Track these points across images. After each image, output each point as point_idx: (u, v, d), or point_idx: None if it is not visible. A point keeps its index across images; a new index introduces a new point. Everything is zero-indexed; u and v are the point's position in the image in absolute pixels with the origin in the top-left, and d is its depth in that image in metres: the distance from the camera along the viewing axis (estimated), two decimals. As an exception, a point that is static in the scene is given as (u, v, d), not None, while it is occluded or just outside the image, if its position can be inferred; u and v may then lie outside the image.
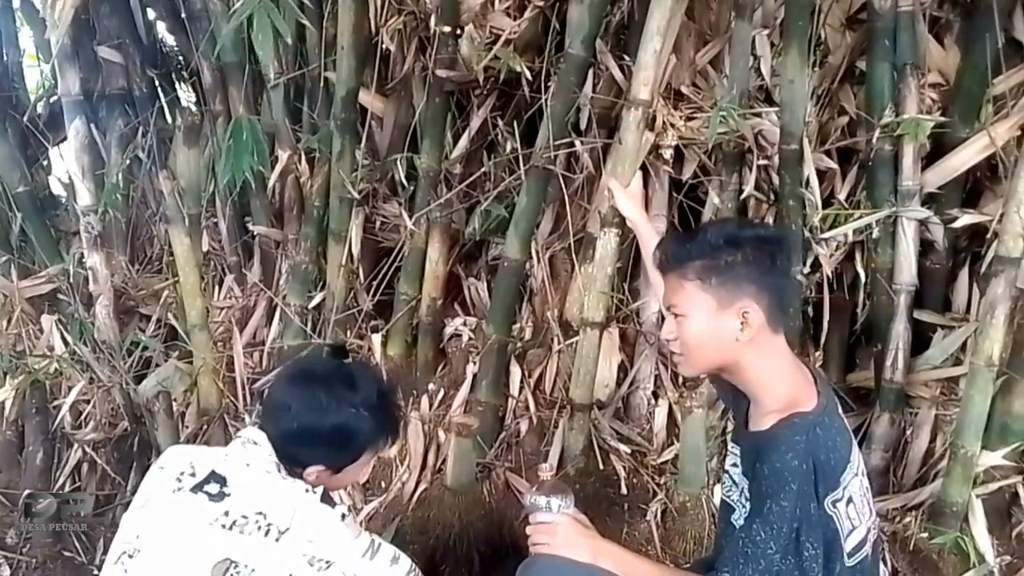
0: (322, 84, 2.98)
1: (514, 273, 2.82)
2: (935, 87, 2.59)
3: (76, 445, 3.15)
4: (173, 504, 1.60)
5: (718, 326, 1.63)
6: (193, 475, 1.62)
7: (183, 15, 3.34)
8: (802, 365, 1.73)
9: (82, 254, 3.32)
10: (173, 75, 3.64)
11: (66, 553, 2.98)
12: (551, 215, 2.98)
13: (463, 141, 2.97)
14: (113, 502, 3.09)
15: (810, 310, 2.76)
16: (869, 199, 2.62)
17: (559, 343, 2.90)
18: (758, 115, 2.63)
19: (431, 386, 3.01)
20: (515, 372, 2.92)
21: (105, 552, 2.17)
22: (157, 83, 3.52)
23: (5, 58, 3.50)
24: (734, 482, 1.73)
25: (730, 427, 2.52)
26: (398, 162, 2.99)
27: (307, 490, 1.63)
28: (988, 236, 2.53)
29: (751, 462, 1.63)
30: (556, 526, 1.80)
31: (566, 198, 2.80)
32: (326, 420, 1.69)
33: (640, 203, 2.38)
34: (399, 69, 2.97)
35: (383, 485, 2.88)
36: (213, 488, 1.59)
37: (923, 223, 2.58)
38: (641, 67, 2.35)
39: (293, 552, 1.58)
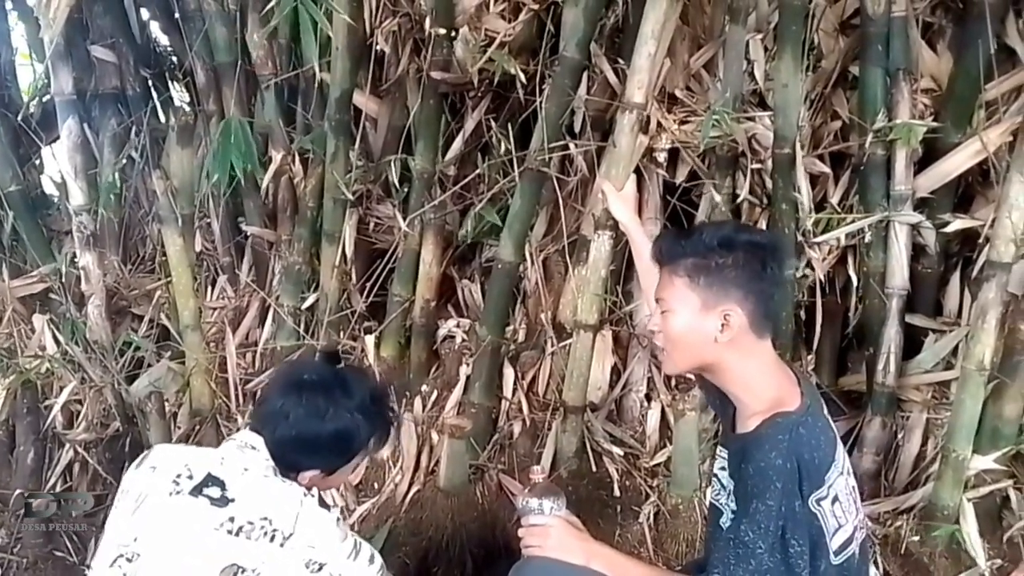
0: (316, 85, 2.98)
1: (508, 275, 2.82)
2: (927, 92, 2.60)
3: (68, 445, 3.13)
4: (173, 507, 1.60)
5: (699, 325, 1.65)
6: (190, 477, 1.62)
7: (177, 15, 3.33)
8: (785, 367, 1.74)
9: (74, 254, 3.30)
10: (167, 75, 3.62)
11: (57, 553, 2.98)
12: (545, 217, 2.98)
13: (457, 143, 2.97)
14: (105, 502, 3.08)
15: (802, 314, 2.77)
16: (862, 203, 2.62)
17: (552, 345, 2.90)
18: (751, 119, 2.63)
19: (424, 388, 3.01)
20: (508, 374, 2.92)
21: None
22: (151, 83, 3.52)
23: (-1, 57, 3.49)
24: (722, 486, 1.74)
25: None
26: (392, 164, 2.99)
27: (305, 495, 1.64)
28: (980, 241, 2.55)
29: (737, 464, 1.65)
30: (548, 528, 1.81)
31: (560, 200, 2.80)
32: (325, 427, 1.70)
33: (633, 207, 2.39)
34: (393, 71, 2.96)
35: (376, 487, 2.89)
36: (214, 492, 1.59)
37: (915, 228, 2.59)
38: (635, 70, 2.36)
39: (296, 557, 1.59)
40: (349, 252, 3.06)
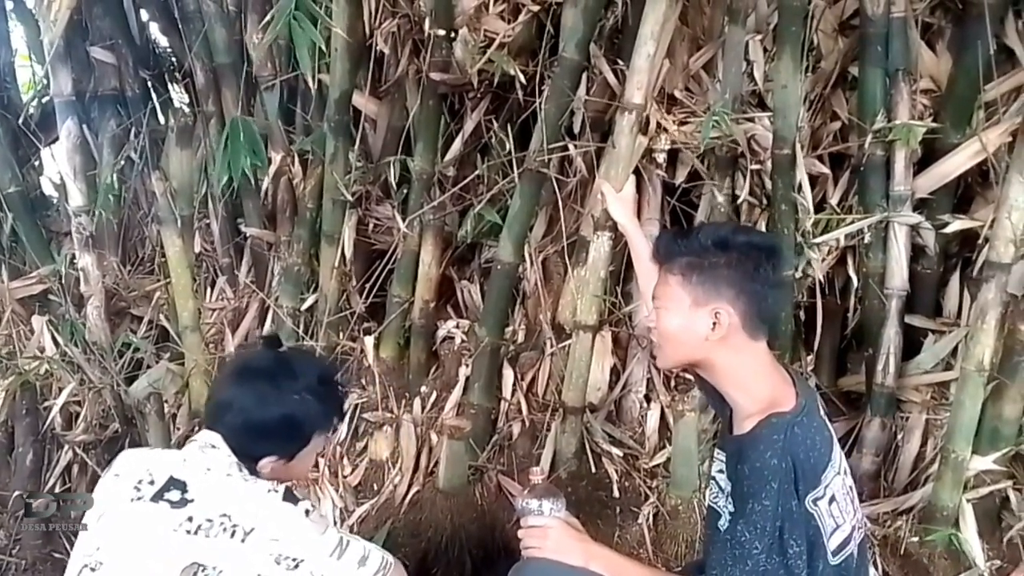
0: (315, 86, 2.98)
1: (507, 276, 2.82)
2: (927, 93, 2.61)
3: (67, 446, 3.13)
4: (133, 514, 1.59)
5: (690, 322, 1.67)
6: (152, 483, 1.61)
7: (176, 16, 3.32)
8: (781, 368, 1.75)
9: (73, 255, 3.30)
10: (166, 76, 3.62)
11: (56, 555, 2.97)
12: (544, 218, 2.99)
13: (456, 144, 2.97)
14: (104, 504, 3.08)
15: (802, 315, 2.77)
16: (861, 204, 2.62)
17: (552, 346, 2.90)
18: (751, 120, 2.64)
19: (423, 389, 3.01)
20: (507, 375, 2.92)
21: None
22: (150, 84, 3.52)
23: (-3, 58, 3.49)
24: (720, 488, 1.74)
25: (722, 431, 2.53)
26: (391, 164, 2.99)
27: (269, 490, 1.63)
28: (979, 241, 2.54)
29: (734, 466, 1.65)
30: (547, 529, 1.82)
31: (559, 201, 2.80)
32: (271, 411, 1.70)
33: (632, 208, 2.39)
34: (393, 72, 2.96)
35: (375, 488, 2.89)
36: (174, 495, 1.59)
37: (914, 228, 2.59)
38: (635, 71, 2.36)
39: (260, 551, 1.57)
40: (348, 253, 3.05)
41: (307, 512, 1.63)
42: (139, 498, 1.60)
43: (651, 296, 1.81)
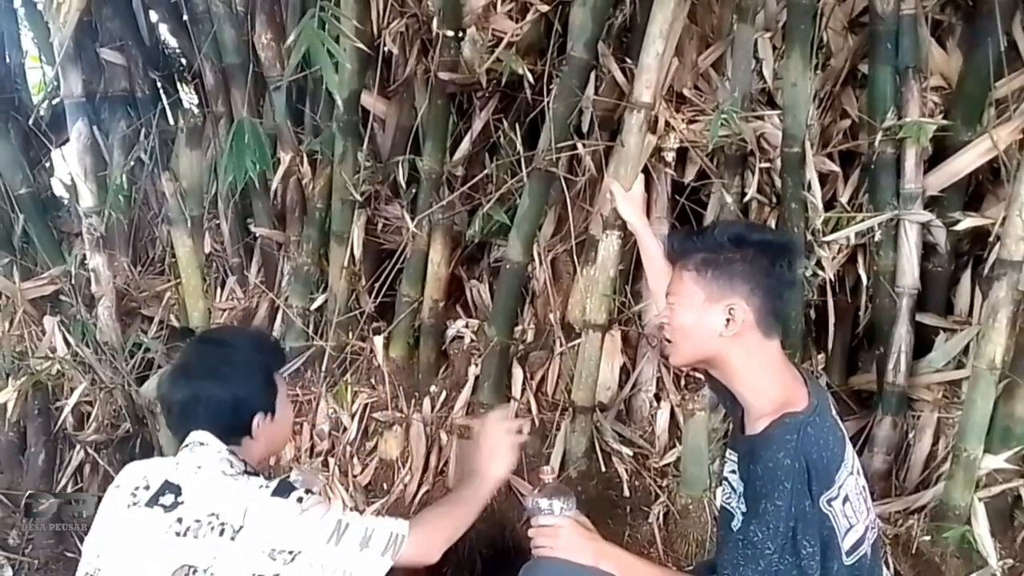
0: (324, 86, 2.98)
1: (516, 275, 2.83)
2: (937, 90, 2.59)
3: (78, 446, 3.15)
4: (129, 520, 1.62)
5: (704, 318, 1.67)
6: (147, 488, 1.63)
7: (185, 17, 3.34)
8: (792, 368, 1.74)
9: (84, 255, 3.31)
10: (175, 77, 3.64)
11: (68, 554, 2.99)
12: (553, 217, 2.98)
13: (465, 143, 2.97)
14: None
15: (812, 313, 2.76)
16: (871, 202, 2.62)
17: (561, 345, 2.90)
18: (760, 118, 2.63)
19: (433, 388, 3.01)
20: (517, 374, 2.92)
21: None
22: (159, 85, 3.53)
23: (8, 60, 3.50)
24: (732, 488, 1.73)
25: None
26: (400, 164, 2.99)
27: (260, 486, 1.63)
28: (990, 239, 2.53)
29: (747, 466, 1.65)
30: (558, 529, 1.82)
31: (568, 200, 2.80)
32: (234, 380, 1.75)
33: (641, 207, 2.39)
34: (401, 71, 2.97)
35: (385, 487, 2.89)
36: (168, 499, 1.61)
37: (925, 226, 2.58)
38: (643, 70, 2.35)
39: (252, 549, 1.57)
40: (358, 253, 3.05)
41: (300, 500, 1.62)
42: (135, 504, 1.63)
43: (664, 293, 1.81)
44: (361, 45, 2.66)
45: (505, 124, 2.93)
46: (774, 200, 2.70)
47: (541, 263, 2.94)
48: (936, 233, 2.60)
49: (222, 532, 1.56)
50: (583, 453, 2.76)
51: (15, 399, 3.18)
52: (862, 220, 2.59)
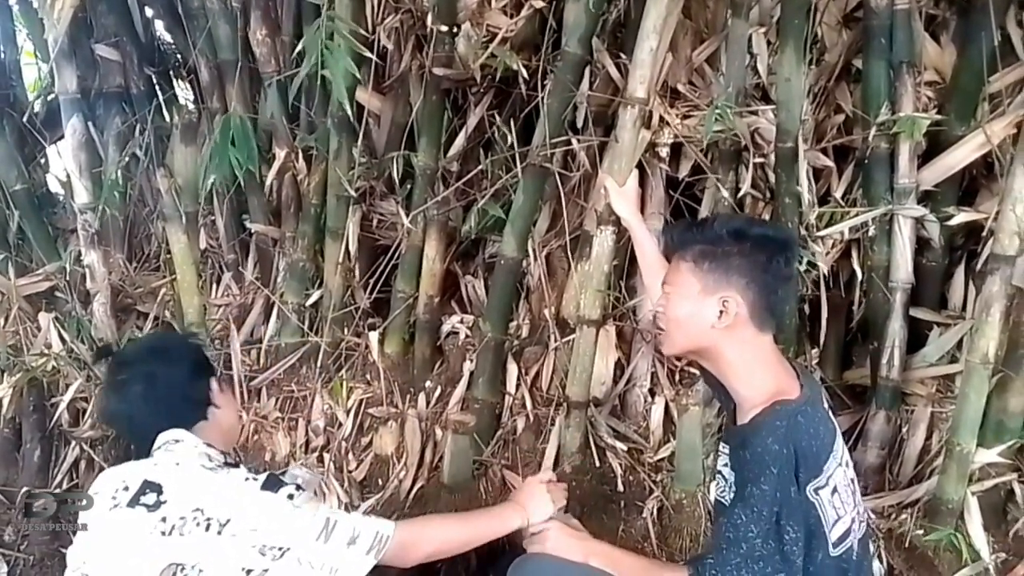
0: (319, 82, 2.98)
1: (511, 271, 2.83)
2: (931, 85, 2.59)
3: (74, 443, 3.15)
4: (112, 522, 1.61)
5: (698, 309, 1.69)
6: (127, 489, 1.62)
7: (180, 13, 3.34)
8: (785, 362, 1.75)
9: (79, 252, 3.31)
10: (171, 73, 3.64)
11: (63, 551, 2.94)
12: (548, 213, 2.98)
13: (460, 139, 2.97)
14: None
15: (806, 308, 2.76)
16: (865, 197, 2.62)
17: (556, 341, 2.90)
18: (754, 113, 2.63)
19: (428, 384, 3.01)
20: (512, 370, 2.92)
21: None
22: (155, 81, 3.52)
23: (3, 56, 3.49)
24: (725, 480, 1.74)
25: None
26: (395, 160, 2.99)
27: (246, 479, 1.62)
28: (984, 234, 2.54)
29: (737, 453, 1.67)
30: (546, 532, 1.86)
31: (563, 196, 2.81)
32: (174, 369, 1.79)
33: (634, 203, 2.39)
34: (396, 67, 2.97)
35: (380, 483, 2.89)
36: (150, 499, 1.59)
37: (919, 221, 2.59)
38: (637, 65, 2.35)
39: (240, 543, 1.56)
40: (353, 249, 3.06)
41: (291, 496, 1.62)
42: (116, 506, 1.61)
43: (661, 283, 1.82)
44: (358, 45, 2.66)
45: (499, 120, 2.92)
46: (768, 195, 2.70)
47: (536, 259, 2.94)
48: (930, 228, 2.61)
49: (208, 527, 1.55)
50: (577, 448, 2.76)
51: (10, 396, 3.18)
52: (856, 215, 2.59)
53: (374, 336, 3.05)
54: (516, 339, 2.96)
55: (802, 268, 2.62)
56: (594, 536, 1.93)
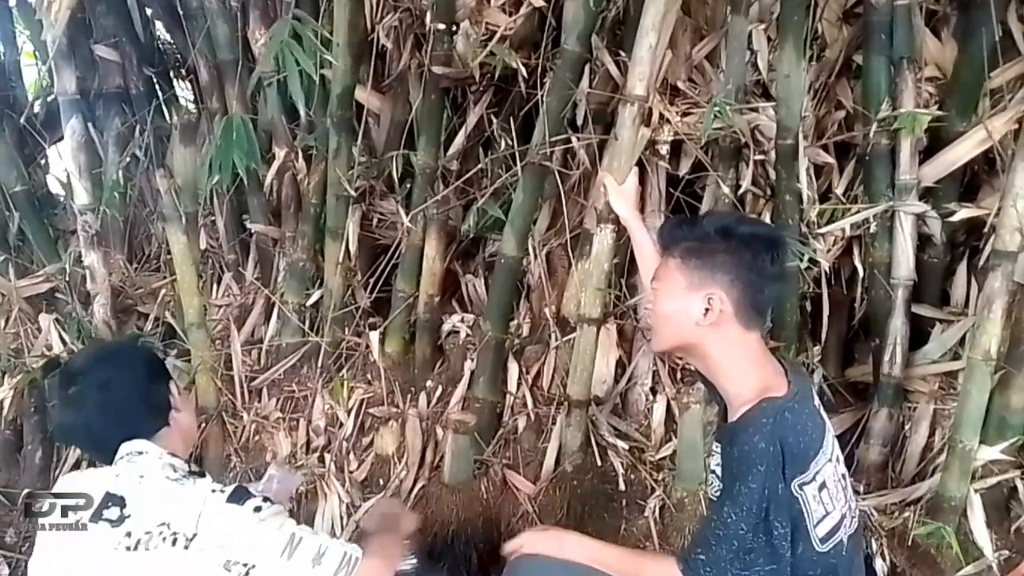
0: (318, 81, 2.98)
1: (511, 270, 2.82)
2: (932, 81, 2.59)
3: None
4: (74, 537, 1.57)
5: (684, 305, 1.69)
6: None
7: (179, 13, 3.34)
8: (773, 359, 1.75)
9: (80, 253, 3.30)
10: (170, 73, 3.63)
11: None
12: (548, 211, 2.98)
13: (459, 138, 2.96)
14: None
15: (808, 305, 2.76)
16: (866, 193, 2.61)
17: (556, 339, 2.90)
18: (754, 110, 2.63)
19: (429, 383, 3.01)
20: (512, 369, 2.92)
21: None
22: (154, 81, 3.52)
23: (2, 57, 3.49)
24: (718, 478, 1.75)
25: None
26: (394, 159, 2.98)
27: (213, 490, 1.58)
28: (985, 230, 2.54)
29: (726, 451, 1.68)
30: (519, 539, 1.90)
31: (562, 194, 2.80)
32: (132, 372, 1.73)
33: (633, 201, 2.38)
34: (395, 66, 2.96)
35: (381, 483, 2.89)
36: (113, 513, 1.55)
37: (920, 217, 2.58)
38: (637, 63, 2.34)
39: (206, 557, 1.52)
40: (353, 248, 3.05)
41: (257, 509, 1.57)
42: (78, 521, 1.58)
43: (651, 279, 1.83)
44: (319, 46, 2.67)
45: (499, 118, 2.92)
46: (769, 192, 2.70)
47: (536, 257, 2.94)
48: (931, 224, 2.60)
49: (175, 542, 1.51)
50: (579, 447, 2.75)
51: (11, 397, 3.17)
52: (857, 211, 2.59)
53: (375, 336, 3.04)
54: (517, 338, 2.96)
55: (803, 265, 2.62)
56: (594, 536, 1.93)
